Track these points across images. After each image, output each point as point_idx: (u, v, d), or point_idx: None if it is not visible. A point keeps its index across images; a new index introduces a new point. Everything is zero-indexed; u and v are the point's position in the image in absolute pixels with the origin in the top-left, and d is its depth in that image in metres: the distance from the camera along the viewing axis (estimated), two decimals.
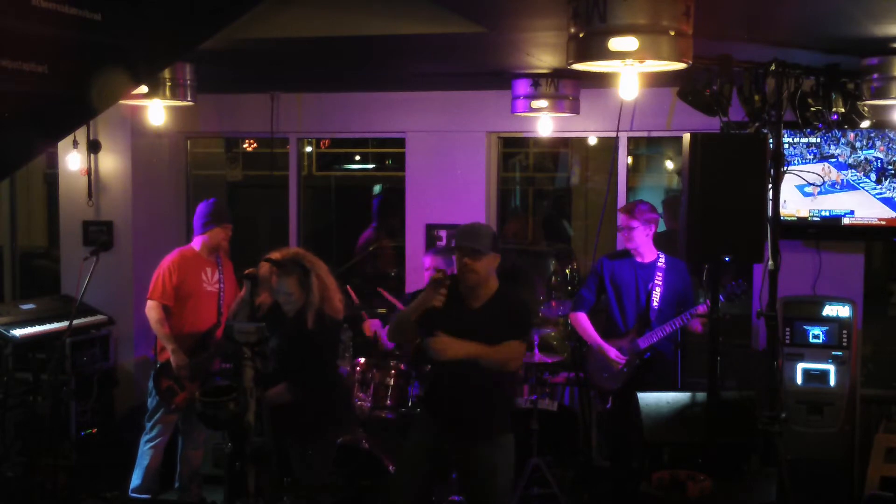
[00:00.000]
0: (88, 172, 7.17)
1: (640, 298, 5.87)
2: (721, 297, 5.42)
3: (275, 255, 4.89)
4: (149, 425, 5.95)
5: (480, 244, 4.39)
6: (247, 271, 4.90)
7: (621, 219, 5.88)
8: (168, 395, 5.80)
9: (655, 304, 5.83)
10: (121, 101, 5.91)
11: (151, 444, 5.92)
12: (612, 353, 5.82)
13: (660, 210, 6.38)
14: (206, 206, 5.96)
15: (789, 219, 6.02)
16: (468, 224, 4.60)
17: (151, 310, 5.81)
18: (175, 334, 5.79)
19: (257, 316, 4.90)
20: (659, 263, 5.88)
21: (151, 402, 5.94)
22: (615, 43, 3.49)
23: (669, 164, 10.24)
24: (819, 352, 5.99)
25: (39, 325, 6.46)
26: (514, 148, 10.12)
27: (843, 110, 5.38)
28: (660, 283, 5.84)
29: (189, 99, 5.83)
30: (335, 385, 5.12)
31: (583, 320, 5.96)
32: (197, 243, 5.97)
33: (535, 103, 6.11)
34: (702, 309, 5.47)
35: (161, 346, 5.89)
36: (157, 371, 5.86)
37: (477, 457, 4.47)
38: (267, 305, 4.99)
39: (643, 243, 5.85)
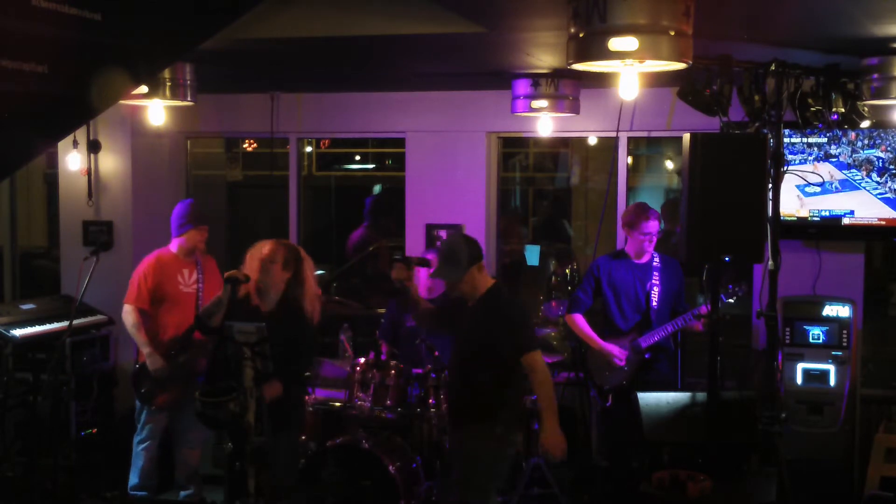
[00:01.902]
0: (88, 172, 7.17)
1: (639, 299, 5.87)
2: (724, 298, 5.44)
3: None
4: (139, 426, 5.93)
5: (456, 273, 4.54)
6: (228, 273, 4.90)
7: (653, 226, 5.80)
8: (148, 396, 5.79)
9: (655, 304, 5.83)
10: (121, 101, 5.91)
11: (142, 445, 5.90)
12: (615, 349, 5.82)
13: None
14: (181, 208, 5.92)
15: (789, 219, 6.01)
16: (446, 244, 4.76)
17: (128, 314, 5.78)
18: (153, 337, 5.77)
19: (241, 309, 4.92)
20: (654, 263, 5.88)
21: (139, 402, 5.94)
22: (615, 43, 3.49)
23: (669, 164, 10.25)
24: (819, 352, 5.99)
25: (39, 325, 6.45)
26: (514, 148, 10.12)
27: (843, 110, 5.38)
28: (657, 282, 5.84)
29: (189, 99, 5.83)
30: (298, 382, 5.20)
31: (579, 321, 5.95)
32: (174, 245, 5.93)
33: (535, 103, 6.11)
34: (704, 310, 5.46)
35: None
36: (136, 373, 5.84)
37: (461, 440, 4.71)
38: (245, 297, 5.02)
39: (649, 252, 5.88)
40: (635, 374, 5.79)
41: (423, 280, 6.06)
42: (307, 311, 5.03)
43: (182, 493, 6.01)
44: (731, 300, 5.58)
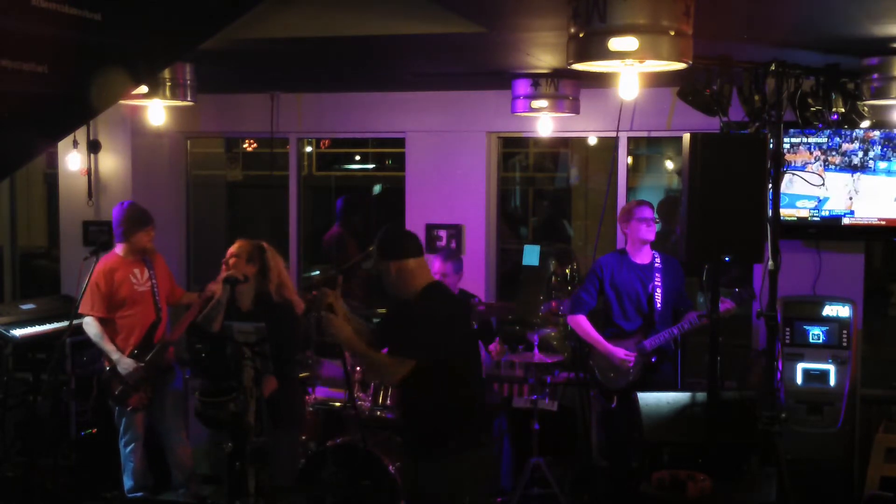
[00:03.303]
0: (88, 172, 7.18)
1: (641, 301, 5.86)
2: (731, 303, 5.45)
3: None
4: (121, 430, 5.92)
5: (375, 262, 4.12)
6: (226, 274, 4.90)
7: (647, 211, 5.84)
8: (122, 398, 5.78)
9: (658, 305, 5.82)
10: (121, 101, 5.91)
11: (129, 447, 5.91)
12: (621, 353, 5.80)
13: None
14: (121, 213, 5.89)
15: (789, 219, 6.01)
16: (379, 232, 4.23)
17: (89, 325, 5.77)
18: (120, 341, 5.78)
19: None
20: (656, 264, 5.87)
21: (117, 408, 5.92)
22: (615, 43, 3.49)
23: (669, 164, 10.25)
24: (819, 352, 5.99)
25: (39, 325, 6.46)
26: (514, 148, 10.12)
27: (843, 110, 5.39)
28: (659, 284, 5.83)
29: (189, 99, 5.82)
30: (292, 377, 5.17)
31: (583, 322, 5.94)
32: (119, 249, 5.93)
33: (535, 103, 6.11)
34: (726, 305, 5.46)
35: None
36: (107, 377, 5.82)
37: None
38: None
39: (651, 241, 5.87)
40: (640, 376, 5.78)
41: (436, 266, 5.98)
42: (277, 301, 5.04)
43: (181, 492, 6.02)
44: (742, 298, 5.59)
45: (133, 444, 5.88)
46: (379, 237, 4.15)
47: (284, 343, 4.96)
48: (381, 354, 4.07)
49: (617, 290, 5.89)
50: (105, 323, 5.78)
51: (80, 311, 5.76)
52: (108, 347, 5.74)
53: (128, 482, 5.93)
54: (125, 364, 5.71)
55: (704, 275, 4.88)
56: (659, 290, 5.82)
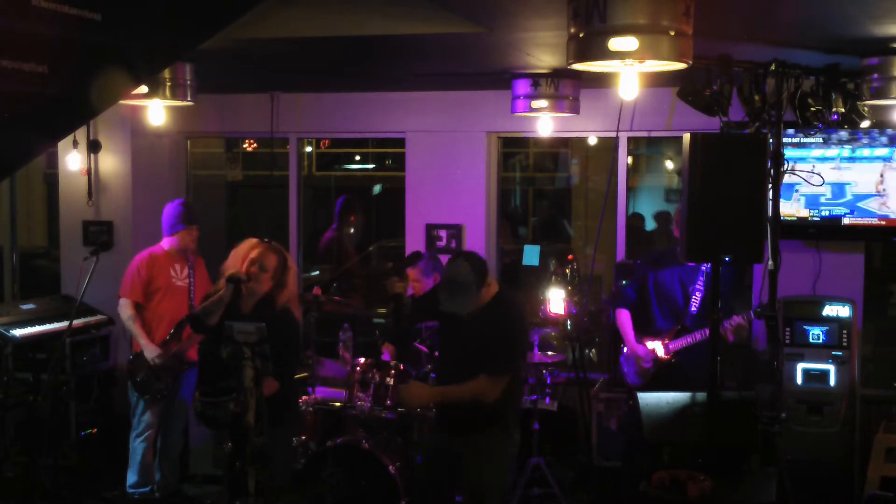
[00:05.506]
0: (88, 172, 7.18)
1: (678, 302, 5.81)
2: (740, 317, 5.44)
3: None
4: (135, 421, 6.04)
5: (469, 303, 4.55)
6: (230, 273, 4.89)
7: None
8: (143, 385, 5.94)
9: (693, 308, 5.77)
10: (121, 101, 5.91)
11: (141, 437, 6.01)
12: (641, 350, 5.82)
13: None
14: (173, 209, 6.14)
15: (789, 219, 6.01)
16: (451, 277, 4.56)
17: (123, 307, 6.03)
18: (148, 327, 5.99)
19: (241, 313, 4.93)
20: (703, 266, 5.79)
21: (134, 397, 6.04)
22: (615, 43, 3.49)
23: (669, 164, 10.26)
24: (819, 352, 5.99)
25: (39, 325, 6.46)
26: (514, 148, 10.13)
27: (843, 110, 5.38)
28: (701, 287, 5.76)
29: (189, 99, 5.83)
30: (288, 378, 5.16)
31: (623, 317, 5.95)
32: (165, 244, 6.17)
33: (535, 103, 6.11)
34: (735, 320, 5.44)
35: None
36: (131, 362, 5.99)
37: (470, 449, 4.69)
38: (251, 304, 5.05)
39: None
40: (659, 377, 5.76)
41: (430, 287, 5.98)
42: (286, 308, 5.04)
43: (157, 476, 6.13)
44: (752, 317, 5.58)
45: (147, 433, 6.00)
46: (472, 274, 4.51)
47: (282, 347, 4.95)
48: (471, 384, 4.52)
49: (657, 289, 5.86)
50: (139, 309, 6.00)
51: (119, 294, 6.05)
52: (139, 332, 5.96)
53: (132, 477, 5.98)
54: (151, 349, 5.89)
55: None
56: (698, 294, 5.76)
